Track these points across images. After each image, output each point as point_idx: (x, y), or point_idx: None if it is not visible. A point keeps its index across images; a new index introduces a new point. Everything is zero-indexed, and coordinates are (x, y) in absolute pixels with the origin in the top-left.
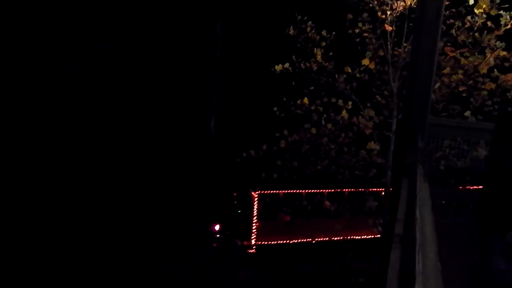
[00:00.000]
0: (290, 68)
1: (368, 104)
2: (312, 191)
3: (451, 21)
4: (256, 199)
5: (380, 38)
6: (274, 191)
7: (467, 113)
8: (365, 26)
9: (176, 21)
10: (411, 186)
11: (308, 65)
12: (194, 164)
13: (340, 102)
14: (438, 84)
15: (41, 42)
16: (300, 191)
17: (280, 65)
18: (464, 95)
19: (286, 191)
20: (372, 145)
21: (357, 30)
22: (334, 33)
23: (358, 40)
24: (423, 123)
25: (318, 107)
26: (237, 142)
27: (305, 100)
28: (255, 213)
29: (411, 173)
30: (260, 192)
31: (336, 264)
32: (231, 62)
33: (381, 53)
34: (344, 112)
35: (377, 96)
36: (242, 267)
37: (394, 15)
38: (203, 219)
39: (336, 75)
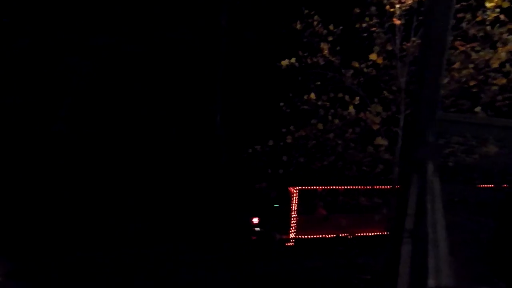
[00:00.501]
0: (297, 63)
1: (376, 100)
2: (349, 187)
3: (462, 14)
4: (295, 194)
5: (388, 32)
6: (313, 187)
7: (478, 109)
8: (372, 20)
9: (181, 14)
10: (421, 182)
11: (314, 60)
12: (201, 159)
13: (347, 97)
14: (447, 79)
15: (46, 36)
16: (338, 187)
17: (286, 60)
18: (474, 90)
19: (324, 187)
20: (380, 140)
21: (364, 25)
22: (341, 27)
23: (365, 34)
24: (432, 118)
25: (325, 102)
26: (243, 138)
27: (312, 95)
28: (293, 207)
29: (421, 169)
30: (300, 188)
31: (369, 259)
32: (236, 57)
33: (389, 47)
34: (351, 107)
35: (385, 91)
36: (279, 260)
37: (403, 8)
38: (242, 212)
39: (343, 70)
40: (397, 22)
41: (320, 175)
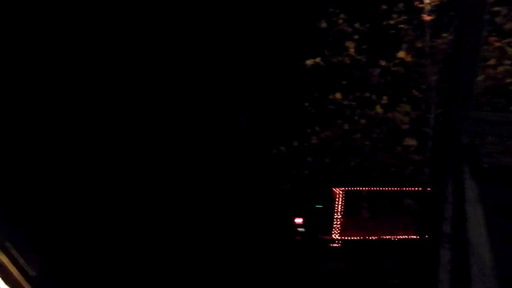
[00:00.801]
0: (322, 62)
1: (404, 99)
2: (395, 189)
3: (497, 8)
4: (339, 195)
5: (417, 29)
6: (358, 188)
7: None
8: (400, 17)
9: (205, 14)
10: (457, 184)
11: (340, 59)
12: (233, 159)
13: (374, 97)
14: (482, 76)
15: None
16: (383, 188)
17: (311, 60)
18: (510, 87)
19: (369, 189)
20: (409, 141)
21: (391, 22)
22: (367, 25)
23: (393, 32)
24: (466, 118)
25: (351, 102)
26: (267, 138)
27: (337, 95)
28: (338, 209)
29: (456, 171)
30: (344, 189)
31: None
32: (260, 56)
33: (418, 44)
34: (378, 107)
35: (414, 90)
36: (324, 261)
37: (433, 4)
38: (286, 212)
39: (370, 69)
40: (427, 18)
41: (349, 176)
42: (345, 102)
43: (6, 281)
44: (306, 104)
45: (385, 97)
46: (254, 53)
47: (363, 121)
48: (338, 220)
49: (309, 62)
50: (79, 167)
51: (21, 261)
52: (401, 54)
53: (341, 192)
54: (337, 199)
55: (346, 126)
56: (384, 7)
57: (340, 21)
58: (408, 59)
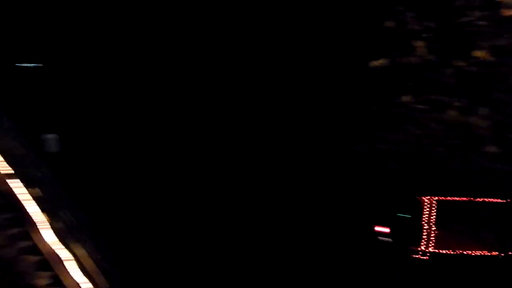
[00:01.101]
0: (390, 62)
1: (483, 101)
2: (497, 200)
3: None
4: (427, 205)
5: (496, 25)
6: (451, 198)
7: None
8: (478, 13)
9: (267, 12)
10: None
11: (411, 59)
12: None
13: (448, 99)
14: None
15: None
16: (483, 199)
17: (379, 61)
18: None
19: (466, 199)
20: (490, 147)
21: (468, 19)
22: (440, 23)
23: (469, 29)
24: None
25: (421, 106)
26: (330, 142)
27: (406, 97)
28: (426, 219)
29: None
30: (432, 198)
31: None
32: (324, 57)
33: (499, 42)
34: (452, 110)
35: (495, 92)
36: (408, 274)
37: None
38: (370, 221)
39: (442, 70)
40: (510, 13)
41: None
42: (414, 106)
43: (84, 273)
44: (373, 107)
45: (459, 100)
46: (318, 54)
47: (434, 125)
48: (426, 231)
49: (375, 63)
50: (149, 167)
51: (96, 255)
52: (478, 53)
53: (428, 201)
54: (425, 209)
55: (416, 131)
56: (460, 3)
57: (409, 19)
58: (487, 58)
